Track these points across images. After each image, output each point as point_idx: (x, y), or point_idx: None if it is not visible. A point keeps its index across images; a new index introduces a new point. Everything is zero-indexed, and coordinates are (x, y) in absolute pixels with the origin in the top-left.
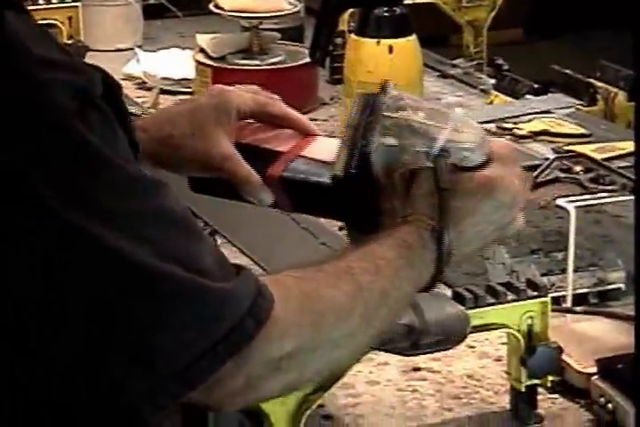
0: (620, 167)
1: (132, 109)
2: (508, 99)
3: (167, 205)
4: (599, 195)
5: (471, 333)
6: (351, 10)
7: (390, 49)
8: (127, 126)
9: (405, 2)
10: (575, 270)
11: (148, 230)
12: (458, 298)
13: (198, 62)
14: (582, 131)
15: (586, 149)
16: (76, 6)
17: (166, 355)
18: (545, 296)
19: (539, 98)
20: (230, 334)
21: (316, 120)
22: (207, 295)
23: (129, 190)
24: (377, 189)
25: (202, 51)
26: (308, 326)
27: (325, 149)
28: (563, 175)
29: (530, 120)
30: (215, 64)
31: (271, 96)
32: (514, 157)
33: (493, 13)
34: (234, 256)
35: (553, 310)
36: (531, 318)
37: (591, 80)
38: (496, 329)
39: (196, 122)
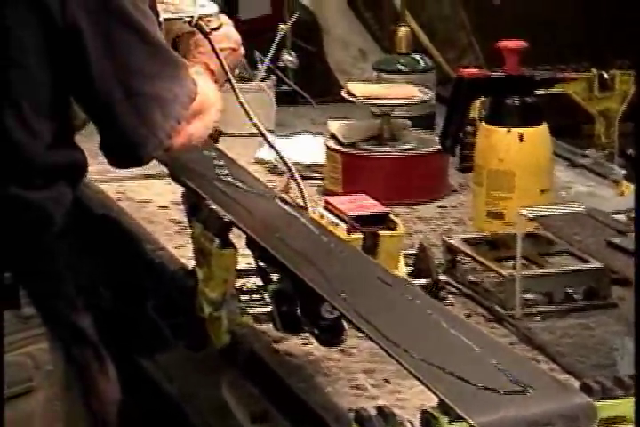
0: None
1: (261, 192)
2: None
3: None
4: None
5: (599, 425)
6: (482, 98)
7: (521, 137)
8: None
9: (537, 91)
10: None
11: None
12: (586, 389)
13: (329, 148)
14: None
15: None
16: None
17: (170, 102)
18: None
19: None
20: (189, 91)
21: (445, 207)
22: (184, 66)
23: (153, 20)
24: None
25: (333, 137)
26: (205, 94)
27: None
28: None
29: None
30: (346, 150)
31: None
32: (232, 24)
33: (625, 104)
34: None
35: None
36: None
37: None
38: (624, 422)
39: None
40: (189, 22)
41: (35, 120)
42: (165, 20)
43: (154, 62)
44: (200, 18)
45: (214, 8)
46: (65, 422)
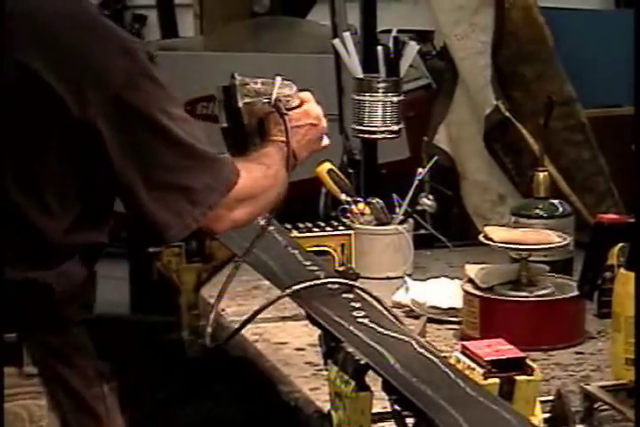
0: None
1: (398, 335)
2: None
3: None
4: None
5: None
6: (620, 244)
7: None
8: None
9: None
10: None
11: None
12: None
13: (466, 292)
14: None
15: None
16: (349, 234)
17: (200, 192)
18: None
19: None
20: (225, 181)
21: (583, 353)
22: (219, 160)
23: (187, 120)
24: (246, 130)
25: (470, 281)
26: (253, 181)
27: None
28: None
29: None
30: (483, 294)
31: None
32: (313, 100)
33: None
34: None
35: None
36: None
37: None
38: None
39: None
40: (269, 103)
41: (57, 207)
42: (245, 104)
43: (179, 158)
44: (278, 99)
45: (293, 88)
46: None
